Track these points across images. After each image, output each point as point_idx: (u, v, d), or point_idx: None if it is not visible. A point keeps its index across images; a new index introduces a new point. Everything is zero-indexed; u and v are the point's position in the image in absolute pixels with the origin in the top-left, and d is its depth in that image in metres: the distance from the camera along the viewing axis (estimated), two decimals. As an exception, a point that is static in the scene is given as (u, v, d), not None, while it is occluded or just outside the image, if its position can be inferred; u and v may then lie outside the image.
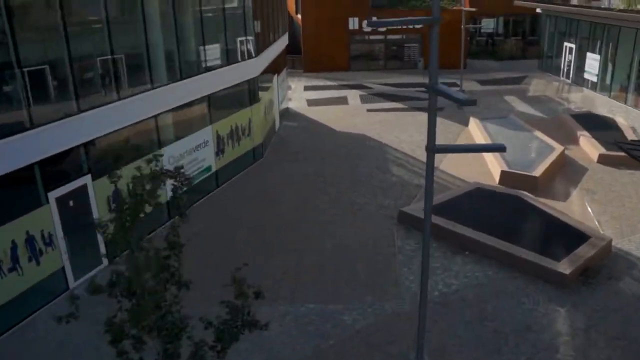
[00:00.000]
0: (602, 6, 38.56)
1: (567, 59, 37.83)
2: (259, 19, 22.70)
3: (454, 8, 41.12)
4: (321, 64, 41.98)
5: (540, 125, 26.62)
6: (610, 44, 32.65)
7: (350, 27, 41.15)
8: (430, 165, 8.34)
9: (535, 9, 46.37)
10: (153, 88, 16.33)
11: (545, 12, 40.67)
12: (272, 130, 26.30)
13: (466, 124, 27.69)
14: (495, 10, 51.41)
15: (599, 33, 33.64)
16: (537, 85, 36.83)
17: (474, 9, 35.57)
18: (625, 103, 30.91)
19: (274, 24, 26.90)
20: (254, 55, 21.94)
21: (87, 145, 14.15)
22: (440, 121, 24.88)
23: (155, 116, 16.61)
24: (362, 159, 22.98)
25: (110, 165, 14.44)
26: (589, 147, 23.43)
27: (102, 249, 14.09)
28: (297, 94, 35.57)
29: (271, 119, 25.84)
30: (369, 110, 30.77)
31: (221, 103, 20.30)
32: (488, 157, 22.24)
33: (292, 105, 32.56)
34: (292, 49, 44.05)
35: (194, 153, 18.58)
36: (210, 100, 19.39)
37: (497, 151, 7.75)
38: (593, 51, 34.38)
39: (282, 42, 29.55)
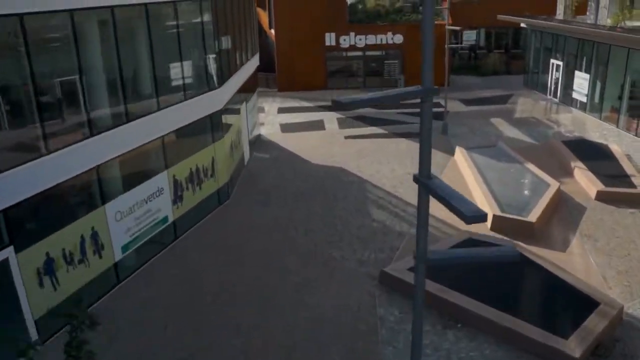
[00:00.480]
0: (588, 21, 37.04)
1: (554, 77, 36.13)
2: (223, 41, 20.41)
3: (437, 22, 39.17)
4: (297, 83, 39.82)
5: (531, 153, 24.71)
6: (600, 62, 30.97)
7: (327, 43, 39.06)
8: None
9: (519, 23, 44.87)
10: (92, 135, 13.96)
11: (529, 27, 38.96)
12: (241, 164, 24.02)
13: (452, 152, 25.69)
14: (478, 23, 49.82)
15: (588, 50, 31.95)
16: (524, 105, 35.03)
17: (457, 27, 33.58)
18: (617, 126, 29.21)
19: (242, 45, 24.65)
20: (217, 84, 19.65)
21: (8, 210, 11.74)
22: (416, 147, 22.91)
23: (97, 167, 14.24)
24: (340, 200, 20.79)
25: (37, 233, 12.14)
26: (585, 182, 21.52)
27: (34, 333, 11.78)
28: (270, 117, 33.32)
29: (239, 152, 23.56)
30: (347, 137, 28.62)
31: (178, 143, 18.00)
32: (477, 195, 20.22)
33: (265, 131, 30.29)
34: (265, 66, 41.85)
35: (146, 204, 16.23)
36: (165, 141, 17.07)
37: (509, 260, 5.62)
38: (581, 69, 32.67)
39: (252, 65, 27.31)
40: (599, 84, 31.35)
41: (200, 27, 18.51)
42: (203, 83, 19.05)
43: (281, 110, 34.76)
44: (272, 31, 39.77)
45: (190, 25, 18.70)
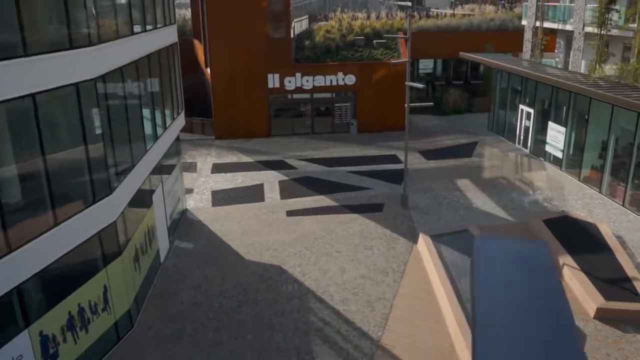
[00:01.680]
0: (557, 60, 33.49)
1: (523, 124, 32.36)
2: (117, 127, 15.48)
3: (395, 60, 35.04)
4: (236, 129, 34.98)
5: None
6: (578, 114, 27.28)
7: (270, 85, 34.32)
8: None
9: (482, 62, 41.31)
10: None
11: (494, 68, 35.16)
12: (155, 264, 19.05)
13: (413, 237, 21.36)
14: (435, 54, 46.09)
15: (563, 99, 28.26)
16: (491, 159, 31.07)
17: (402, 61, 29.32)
18: (600, 190, 25.49)
19: (155, 115, 19.69)
20: (109, 189, 14.65)
21: None
22: (380, 232, 18.09)
23: None
24: (276, 329, 16.06)
25: None
26: (580, 292, 17.46)
27: None
28: (202, 179, 28.35)
29: (151, 255, 18.56)
30: (289, 214, 23.94)
31: (47, 286, 12.97)
32: (451, 324, 15.86)
33: (193, 203, 25.33)
34: (202, 109, 36.93)
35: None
36: (23, 290, 12.05)
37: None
38: (557, 121, 28.94)
39: (174, 130, 22.38)
40: (577, 140, 27.66)
41: (78, 119, 13.49)
42: (84, 192, 14.01)
43: (216, 169, 29.81)
44: (209, 70, 34.75)
45: (65, 117, 13.69)
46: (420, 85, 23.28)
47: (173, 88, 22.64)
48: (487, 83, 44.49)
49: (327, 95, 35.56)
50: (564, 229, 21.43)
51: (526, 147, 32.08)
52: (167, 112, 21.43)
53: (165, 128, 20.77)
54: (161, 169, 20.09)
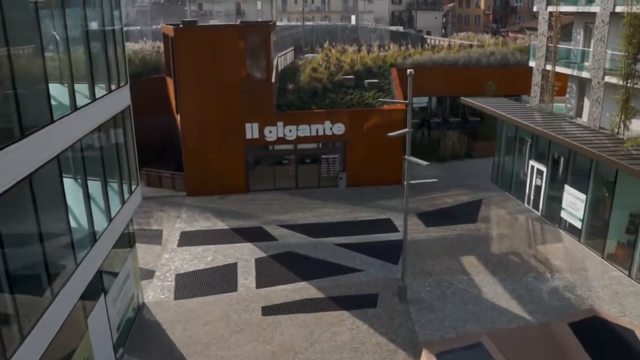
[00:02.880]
0: (568, 105, 29.89)
1: (534, 183, 28.68)
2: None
3: (388, 108, 31.39)
4: (210, 185, 31.10)
5: (527, 351, 16.71)
6: (602, 181, 23.64)
7: (248, 135, 30.45)
8: None
9: (482, 93, 37.92)
10: None
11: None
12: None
13: (414, 350, 17.48)
14: (430, 92, 42.48)
15: (584, 161, 24.60)
16: (499, 225, 27.35)
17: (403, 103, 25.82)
18: (630, 274, 21.85)
19: (95, 207, 15.75)
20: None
21: None
22: (374, 341, 14.04)
23: None
24: None
25: None
26: None
27: None
28: (167, 255, 24.39)
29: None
30: (265, 312, 20.03)
31: None
32: None
33: (153, 294, 21.37)
34: (177, 154, 33.01)
35: None
36: None
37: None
38: (575, 185, 25.26)
39: (119, 224, 18.38)
40: (600, 209, 24.00)
41: None
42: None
43: (184, 239, 25.85)
44: (179, 117, 30.83)
45: None
46: (424, 163, 19.39)
47: (123, 163, 18.72)
48: (488, 122, 40.96)
49: (313, 145, 31.69)
50: (594, 337, 17.61)
51: (537, 209, 28.38)
52: (114, 199, 17.46)
53: (110, 220, 16.79)
54: (102, 280, 16.08)
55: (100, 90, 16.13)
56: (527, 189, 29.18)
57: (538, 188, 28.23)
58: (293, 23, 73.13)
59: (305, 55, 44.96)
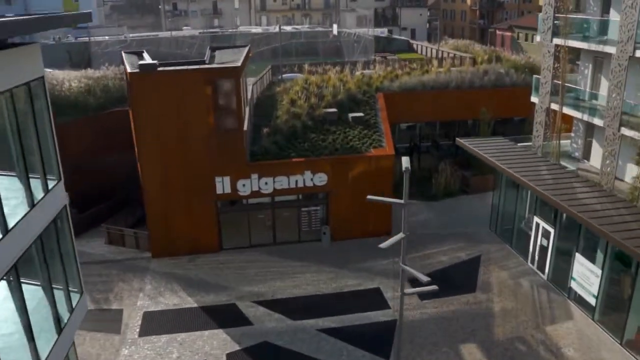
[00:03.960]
0: (574, 149, 26.92)
1: (539, 242, 25.69)
2: None
3: (377, 154, 28.21)
4: (178, 245, 27.78)
5: None
6: (622, 257, 20.66)
7: (219, 190, 27.07)
8: None
9: (476, 117, 35.14)
10: None
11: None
12: None
13: None
14: (421, 116, 39.32)
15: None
16: (501, 296, 24.39)
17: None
18: (655, 369, 18.90)
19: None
20: None
21: None
22: None
23: None
24: None
25: None
26: None
27: None
28: (125, 349, 21.14)
29: None
30: None
31: None
32: None
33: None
34: (142, 206, 29.65)
35: None
36: None
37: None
38: (588, 256, 22.28)
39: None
40: (618, 288, 21.07)
41: None
42: None
43: (146, 326, 22.57)
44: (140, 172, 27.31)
45: None
46: (424, 278, 16.22)
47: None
48: (483, 135, 37.91)
49: (293, 197, 28.37)
50: None
51: (543, 272, 25.44)
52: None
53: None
54: None
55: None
56: (531, 246, 26.20)
57: (544, 249, 25.26)
58: (272, 28, 69.22)
59: (284, 77, 41.48)
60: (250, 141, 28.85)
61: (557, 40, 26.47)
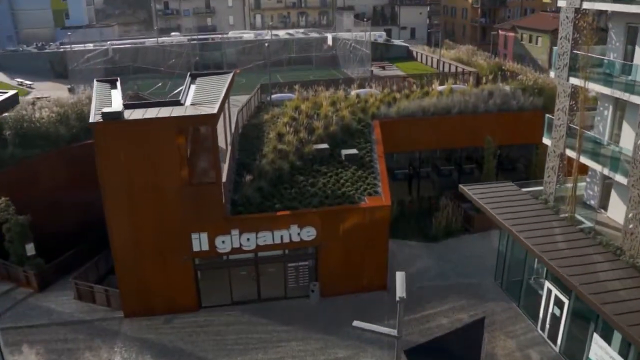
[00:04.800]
0: (593, 201, 24.24)
1: (550, 309, 23.04)
2: None
3: (374, 205, 25.54)
4: (152, 304, 25.27)
5: None
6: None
7: (196, 248, 24.40)
8: None
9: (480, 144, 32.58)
10: None
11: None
12: None
13: None
14: (421, 144, 36.56)
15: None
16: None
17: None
18: None
19: None
20: None
21: None
22: None
23: None
24: None
25: None
26: None
27: None
28: None
29: None
30: None
31: None
32: None
33: None
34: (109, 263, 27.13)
35: None
36: None
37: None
38: (609, 339, 19.59)
39: None
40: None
41: None
42: None
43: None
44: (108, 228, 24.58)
45: None
46: None
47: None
48: (488, 172, 35.25)
49: (278, 252, 25.70)
50: None
51: (554, 343, 22.83)
52: None
53: None
54: None
55: None
56: (542, 311, 23.58)
57: (556, 318, 22.61)
58: (264, 33, 66.05)
59: (273, 98, 38.68)
60: (232, 186, 26.17)
61: (575, 80, 23.61)
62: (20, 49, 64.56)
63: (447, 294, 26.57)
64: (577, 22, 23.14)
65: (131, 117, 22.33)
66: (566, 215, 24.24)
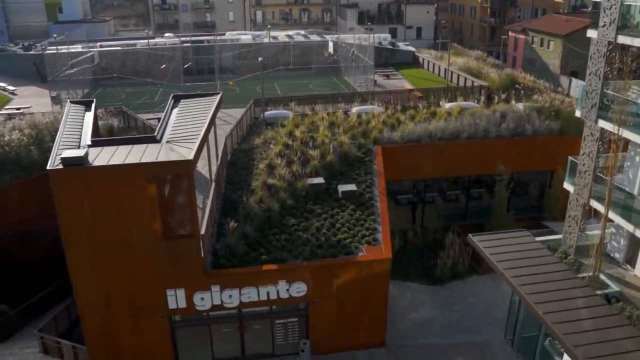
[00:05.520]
0: (618, 254, 21.41)
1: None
2: None
3: (373, 258, 22.71)
4: (123, 365, 22.39)
5: None
6: None
7: (172, 305, 21.63)
8: None
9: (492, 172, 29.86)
10: None
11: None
12: None
13: None
14: (427, 172, 33.67)
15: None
16: None
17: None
18: None
19: None
20: None
21: None
22: None
23: None
24: None
25: None
26: None
27: None
28: None
29: None
30: None
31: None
32: None
33: None
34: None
35: None
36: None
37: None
38: None
39: None
40: None
41: None
42: None
43: None
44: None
45: None
46: None
47: None
48: (500, 201, 32.34)
49: (264, 309, 22.89)
50: None
51: None
52: None
53: None
54: None
55: None
56: (562, 385, 20.72)
57: (579, 396, 19.74)
58: (263, 34, 62.90)
59: (267, 115, 35.75)
60: (216, 229, 23.39)
61: (604, 124, 20.63)
62: (8, 47, 61.52)
63: (453, 354, 23.78)
64: (610, 57, 20.10)
65: (95, 163, 19.41)
66: (588, 274, 21.33)
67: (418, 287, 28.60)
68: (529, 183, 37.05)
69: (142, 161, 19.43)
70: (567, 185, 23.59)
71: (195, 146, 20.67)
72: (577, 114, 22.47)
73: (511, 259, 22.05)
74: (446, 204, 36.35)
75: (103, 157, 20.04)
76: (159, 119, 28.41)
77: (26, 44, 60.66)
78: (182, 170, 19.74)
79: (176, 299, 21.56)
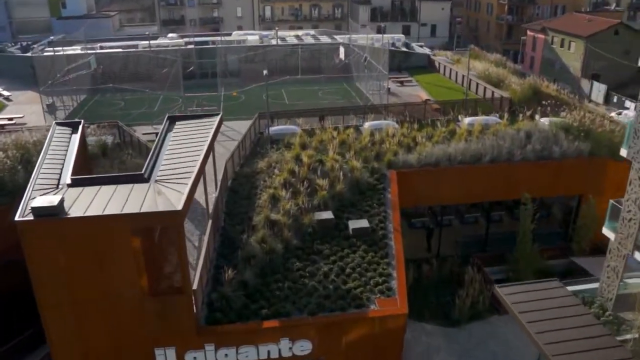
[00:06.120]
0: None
1: None
2: None
3: (386, 313, 20.21)
4: None
5: None
6: None
7: (160, 365, 19.26)
8: None
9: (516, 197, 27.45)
10: None
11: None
12: None
13: None
14: (446, 197, 31.14)
15: None
16: None
17: None
18: None
19: None
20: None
21: None
22: None
23: None
24: None
25: None
26: None
27: None
28: None
29: None
30: None
31: None
32: None
33: None
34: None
35: None
36: None
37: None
38: None
39: None
40: None
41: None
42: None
43: None
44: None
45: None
46: None
47: None
48: (524, 235, 29.65)
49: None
50: None
51: None
52: None
53: None
54: None
55: None
56: None
57: None
58: (270, 35, 60.19)
59: (272, 132, 33.23)
60: (212, 273, 21.00)
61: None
62: (7, 47, 59.25)
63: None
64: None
65: (71, 213, 17.00)
66: (633, 337, 18.77)
67: (433, 329, 26.16)
68: (551, 205, 34.39)
69: (124, 212, 16.97)
70: (607, 232, 20.99)
71: (187, 190, 18.20)
72: (623, 153, 19.81)
73: (542, 319, 19.45)
74: (464, 227, 33.84)
75: (81, 202, 17.63)
76: (156, 134, 26.15)
77: (24, 44, 58.33)
78: (170, 222, 17.30)
79: (165, 359, 19.17)
